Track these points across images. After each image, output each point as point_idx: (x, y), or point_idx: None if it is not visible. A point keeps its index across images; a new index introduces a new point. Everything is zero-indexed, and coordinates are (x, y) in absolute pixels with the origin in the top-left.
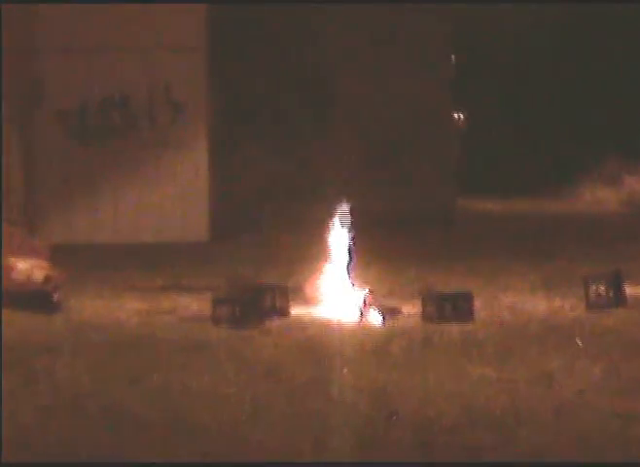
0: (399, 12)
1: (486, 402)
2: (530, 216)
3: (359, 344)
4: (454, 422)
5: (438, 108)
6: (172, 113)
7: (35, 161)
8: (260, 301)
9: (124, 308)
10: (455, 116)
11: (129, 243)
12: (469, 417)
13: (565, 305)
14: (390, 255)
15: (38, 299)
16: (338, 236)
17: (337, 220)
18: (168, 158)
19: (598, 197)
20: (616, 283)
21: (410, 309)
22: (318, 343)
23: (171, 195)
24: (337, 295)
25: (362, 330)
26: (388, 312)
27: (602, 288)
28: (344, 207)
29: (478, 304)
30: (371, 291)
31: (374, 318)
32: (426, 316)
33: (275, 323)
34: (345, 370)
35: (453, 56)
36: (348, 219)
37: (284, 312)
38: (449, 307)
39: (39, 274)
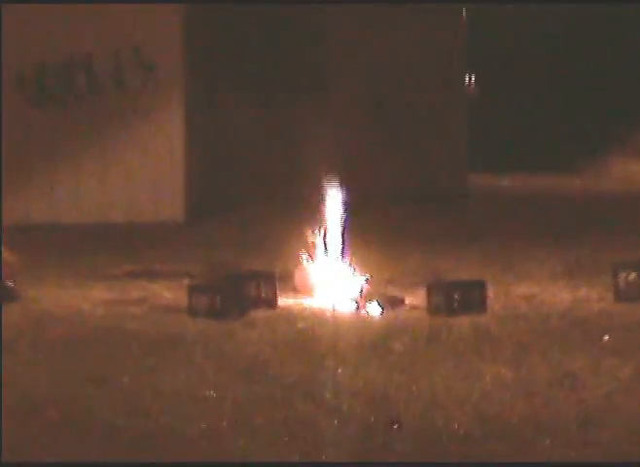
0: None
1: (501, 407)
2: (551, 194)
3: (356, 340)
4: (465, 431)
5: (448, 74)
6: (142, 76)
7: None
8: (243, 289)
9: (89, 298)
10: (466, 82)
11: (94, 224)
12: (481, 425)
13: (591, 296)
14: (392, 238)
15: None
16: (333, 217)
17: (331, 198)
18: (138, 126)
19: (629, 173)
20: None
21: (415, 300)
22: (309, 339)
23: (142, 168)
24: (330, 283)
25: (359, 323)
26: (389, 303)
27: (633, 276)
28: (340, 184)
29: (491, 294)
30: (369, 279)
31: (373, 310)
32: (432, 308)
33: (260, 315)
34: (340, 369)
35: (465, 15)
36: (344, 197)
37: (270, 303)
38: (459, 298)
39: None
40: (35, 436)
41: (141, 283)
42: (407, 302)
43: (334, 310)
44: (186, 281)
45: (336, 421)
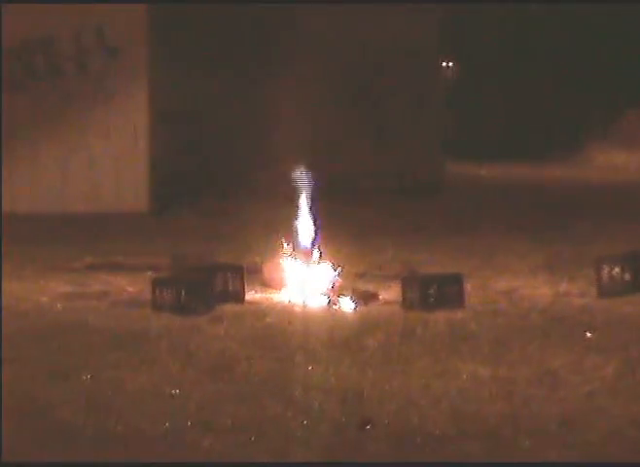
0: None
1: (479, 406)
2: (532, 185)
3: (327, 336)
4: (441, 431)
5: (424, 55)
6: (105, 58)
7: None
8: (209, 283)
9: (48, 291)
10: (444, 65)
11: (54, 214)
12: (458, 425)
13: (573, 291)
14: (365, 230)
15: None
16: (303, 207)
17: (301, 188)
18: (100, 111)
19: (611, 162)
20: (633, 265)
21: (388, 295)
22: (278, 334)
23: (104, 155)
24: (301, 277)
25: (331, 319)
26: (362, 298)
27: (617, 270)
28: (311, 173)
29: (468, 288)
30: (341, 272)
31: (346, 305)
32: (407, 303)
33: (228, 310)
34: (311, 367)
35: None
36: (316, 188)
37: (238, 297)
38: (435, 293)
39: None
40: None
41: (103, 276)
42: (380, 296)
43: (304, 305)
44: (150, 274)
45: (306, 421)
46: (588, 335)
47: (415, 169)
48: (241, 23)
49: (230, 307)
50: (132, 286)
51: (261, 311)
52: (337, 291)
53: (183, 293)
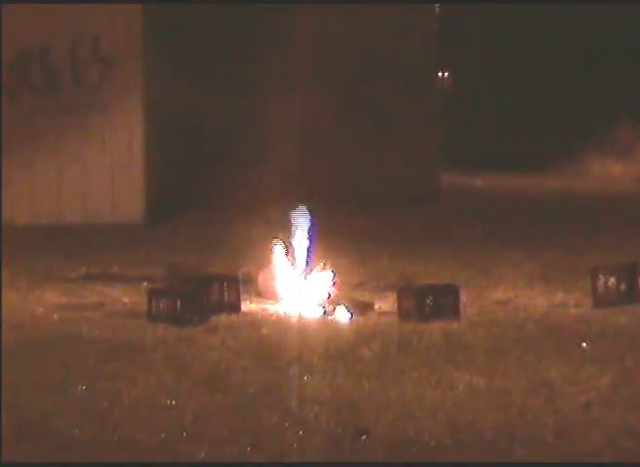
0: None
1: (475, 417)
2: (528, 195)
3: (323, 347)
4: (436, 442)
5: (419, 66)
6: (100, 70)
7: None
8: (205, 294)
9: (43, 302)
10: (439, 75)
11: (50, 225)
12: (454, 436)
13: (569, 301)
14: (361, 241)
15: None
16: (299, 218)
17: (297, 199)
18: (96, 122)
19: (609, 173)
20: (629, 275)
21: (384, 305)
22: (274, 345)
23: (99, 167)
24: (296, 288)
25: (326, 329)
26: (358, 308)
27: (612, 280)
28: (307, 185)
29: (464, 298)
30: (337, 283)
31: (342, 315)
32: (403, 313)
33: (223, 320)
34: (306, 377)
35: (438, 7)
36: (311, 198)
37: (234, 308)
38: (431, 303)
39: None
40: None
41: (98, 287)
42: (376, 307)
43: (300, 316)
44: (145, 285)
45: (302, 431)
46: (584, 345)
47: (411, 181)
48: (237, 36)
49: (225, 318)
50: (128, 297)
51: (256, 322)
52: (333, 301)
53: (178, 304)
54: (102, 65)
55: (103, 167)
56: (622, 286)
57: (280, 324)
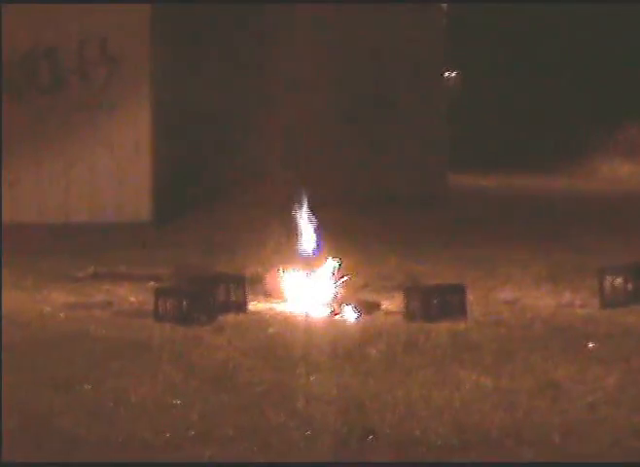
0: None
1: (481, 417)
2: (535, 195)
3: (329, 346)
4: (442, 442)
5: (426, 66)
6: (108, 69)
7: None
8: (212, 293)
9: (51, 301)
10: (446, 75)
11: (57, 224)
12: (460, 436)
13: (575, 301)
14: (368, 240)
15: None
16: (306, 218)
17: (304, 198)
18: (103, 121)
19: (615, 173)
20: (636, 275)
21: (391, 305)
22: (281, 345)
23: (107, 166)
24: (303, 287)
25: (333, 329)
26: (365, 308)
27: (619, 281)
28: (315, 185)
29: (471, 298)
30: (344, 283)
31: (348, 315)
32: (409, 313)
33: (230, 320)
34: (313, 377)
35: (445, 5)
36: (319, 199)
37: (241, 307)
38: (437, 303)
39: None
40: None
41: (105, 286)
42: (383, 306)
43: (306, 315)
44: (152, 284)
45: (308, 431)
46: (591, 345)
47: (419, 181)
48: (244, 36)
49: (232, 318)
50: (135, 296)
51: (263, 321)
52: (340, 301)
53: (185, 303)
54: (110, 65)
55: (110, 166)
56: (629, 286)
57: (287, 324)
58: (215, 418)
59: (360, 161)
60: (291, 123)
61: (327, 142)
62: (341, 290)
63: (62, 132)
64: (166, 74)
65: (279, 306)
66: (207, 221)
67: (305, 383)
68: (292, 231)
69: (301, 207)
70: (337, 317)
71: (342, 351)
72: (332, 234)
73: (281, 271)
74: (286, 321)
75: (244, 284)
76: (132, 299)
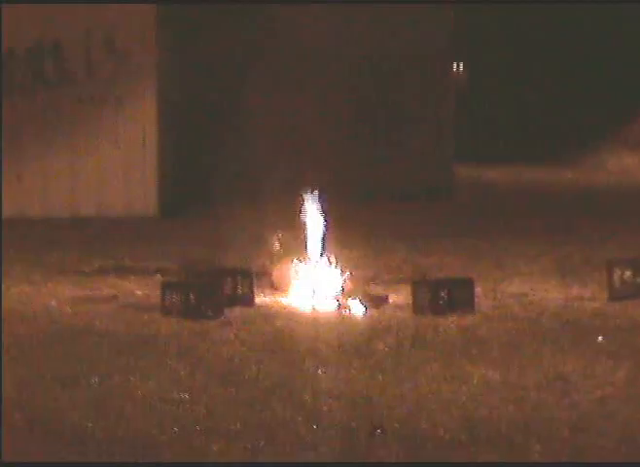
0: None
1: (490, 412)
2: (543, 188)
3: (337, 340)
4: (451, 437)
5: (433, 56)
6: (114, 63)
7: None
8: (219, 287)
9: (57, 295)
10: (454, 66)
11: (63, 218)
12: (469, 430)
13: (584, 295)
14: (376, 233)
15: None
16: (313, 211)
17: (311, 192)
18: (110, 116)
19: (624, 165)
20: None
21: (399, 298)
22: (288, 339)
23: (113, 160)
24: (310, 281)
25: (340, 323)
26: (372, 302)
27: (628, 274)
28: (321, 177)
29: (479, 292)
30: (351, 276)
31: (356, 309)
32: (417, 307)
33: (237, 314)
34: (320, 371)
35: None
36: (325, 191)
37: (248, 301)
38: (446, 296)
39: None
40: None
41: (112, 280)
42: (390, 300)
43: (314, 309)
44: (159, 278)
45: (315, 426)
46: (600, 339)
47: (425, 173)
48: (251, 31)
49: (239, 311)
50: (141, 290)
51: (270, 315)
52: (347, 295)
53: (192, 297)
54: (116, 59)
55: (117, 160)
56: (639, 279)
57: (294, 317)
58: (222, 413)
59: (365, 153)
60: (297, 115)
61: (333, 136)
62: (349, 283)
63: (68, 126)
64: (173, 68)
65: (286, 300)
66: (214, 214)
67: (313, 378)
68: (298, 224)
69: (307, 200)
70: (344, 311)
71: (350, 345)
72: (338, 227)
73: (288, 265)
74: (293, 315)
75: (251, 278)
76: (139, 292)
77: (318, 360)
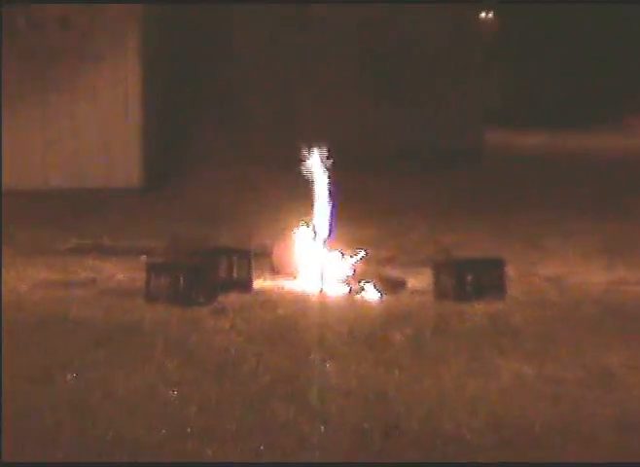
0: None
1: (522, 411)
2: (586, 155)
3: (347, 330)
4: (478, 440)
5: (460, 13)
6: (91, 14)
7: None
8: (212, 269)
9: (27, 278)
10: (482, 16)
11: (36, 190)
12: (497, 432)
13: (630, 278)
14: (392, 207)
15: None
16: (319, 181)
17: (316, 159)
18: (86, 73)
19: None
20: None
21: (419, 282)
22: (291, 328)
23: (91, 124)
24: (316, 262)
25: (351, 310)
26: (388, 286)
27: None
28: (328, 141)
29: (511, 275)
30: (364, 256)
31: (369, 294)
32: (440, 292)
33: (233, 300)
34: (328, 365)
35: None
36: (334, 157)
37: (245, 285)
38: (472, 280)
39: None
40: None
41: (90, 261)
42: (409, 284)
43: (321, 295)
44: (143, 259)
45: (323, 427)
46: None
47: (451, 138)
48: None
49: (235, 297)
50: (123, 273)
51: (271, 302)
52: (360, 278)
53: (181, 280)
54: (93, 9)
55: (95, 124)
56: None
57: (298, 304)
58: (216, 413)
59: (382, 114)
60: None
61: (343, 92)
62: (361, 265)
63: (40, 85)
64: (158, 19)
65: (289, 284)
66: (206, 186)
67: (320, 373)
68: (303, 195)
69: (312, 167)
70: (356, 297)
71: (362, 336)
72: (350, 200)
73: (291, 244)
74: (297, 301)
75: (249, 258)
76: (120, 276)
77: (325, 352)
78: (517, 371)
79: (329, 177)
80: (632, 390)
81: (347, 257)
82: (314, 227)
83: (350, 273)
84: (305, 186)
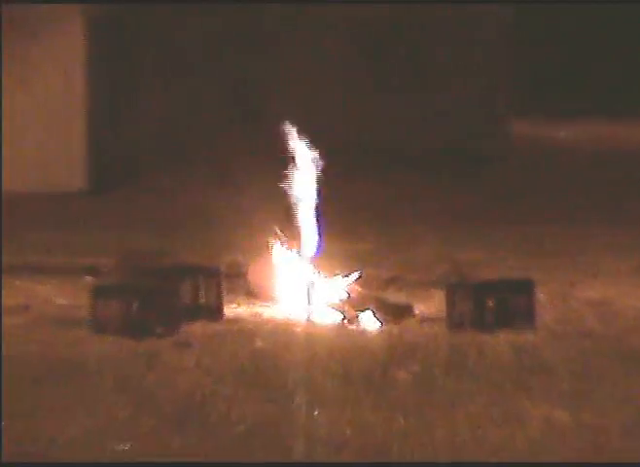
0: None
1: (556, 465)
2: (629, 151)
3: (341, 368)
4: None
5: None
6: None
7: None
8: (172, 293)
9: None
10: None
11: None
12: None
13: None
14: (396, 215)
15: None
16: (305, 185)
17: (301, 157)
18: (25, 56)
19: None
20: None
21: (429, 308)
22: (271, 366)
23: (29, 116)
24: (302, 284)
25: (346, 343)
26: (391, 314)
27: None
28: (315, 137)
29: (543, 299)
30: (361, 277)
31: (367, 323)
32: (455, 320)
33: (199, 330)
34: (317, 412)
35: None
36: (323, 156)
37: (214, 312)
38: (494, 306)
39: None
40: None
41: (22, 283)
42: (416, 310)
43: (307, 323)
44: (88, 280)
45: None
46: None
47: (472, 132)
48: None
49: (202, 327)
50: (64, 297)
51: (246, 332)
52: (356, 303)
53: (135, 306)
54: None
55: (34, 117)
56: None
57: (280, 335)
58: None
59: (388, 106)
60: (285, 52)
61: (341, 80)
62: (357, 287)
63: None
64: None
65: (268, 311)
66: (165, 190)
67: (306, 421)
68: (286, 201)
69: (298, 167)
70: (351, 326)
71: (359, 375)
72: (347, 207)
73: (270, 261)
74: (278, 332)
75: (219, 279)
76: (60, 301)
77: (313, 396)
78: (549, 417)
79: (319, 179)
80: None
81: (340, 277)
82: (300, 239)
83: (344, 298)
84: (289, 190)
